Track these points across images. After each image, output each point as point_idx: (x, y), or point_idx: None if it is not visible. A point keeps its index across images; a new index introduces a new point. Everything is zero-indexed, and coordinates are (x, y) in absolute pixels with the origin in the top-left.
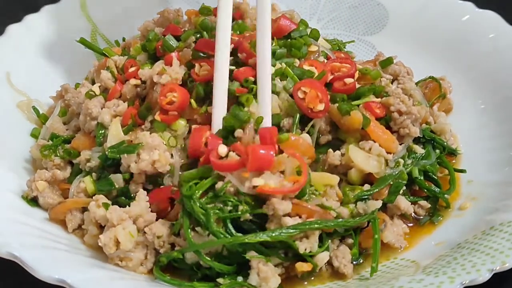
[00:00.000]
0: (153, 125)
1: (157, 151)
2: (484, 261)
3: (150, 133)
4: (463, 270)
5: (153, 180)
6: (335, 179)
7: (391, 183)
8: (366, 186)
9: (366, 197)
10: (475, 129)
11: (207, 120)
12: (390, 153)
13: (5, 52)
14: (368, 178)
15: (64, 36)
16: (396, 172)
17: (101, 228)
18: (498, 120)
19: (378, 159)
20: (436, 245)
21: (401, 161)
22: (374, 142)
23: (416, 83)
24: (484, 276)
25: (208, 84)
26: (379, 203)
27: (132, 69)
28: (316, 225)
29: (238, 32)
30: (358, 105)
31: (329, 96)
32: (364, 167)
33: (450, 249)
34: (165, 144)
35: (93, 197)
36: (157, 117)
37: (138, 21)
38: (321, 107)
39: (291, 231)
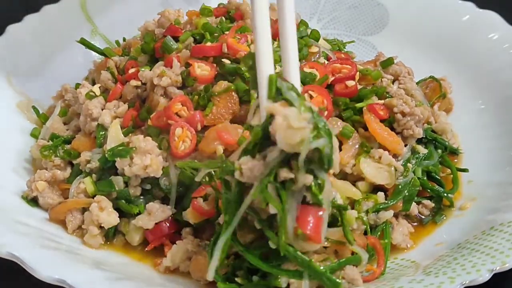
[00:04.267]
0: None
1: (149, 156)
2: (484, 261)
3: (145, 137)
4: (463, 270)
5: (150, 181)
6: (358, 194)
7: (406, 193)
8: (380, 196)
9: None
10: (475, 129)
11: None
12: (396, 155)
13: (5, 52)
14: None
15: (64, 36)
16: (409, 180)
17: (101, 228)
18: (498, 120)
19: (389, 169)
20: (436, 245)
21: (410, 165)
22: (381, 145)
23: (417, 83)
24: (484, 276)
25: (207, 86)
26: (390, 213)
27: (132, 70)
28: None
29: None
30: (361, 108)
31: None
32: (376, 180)
33: (450, 249)
34: (158, 147)
35: (95, 198)
36: (150, 121)
37: (138, 21)
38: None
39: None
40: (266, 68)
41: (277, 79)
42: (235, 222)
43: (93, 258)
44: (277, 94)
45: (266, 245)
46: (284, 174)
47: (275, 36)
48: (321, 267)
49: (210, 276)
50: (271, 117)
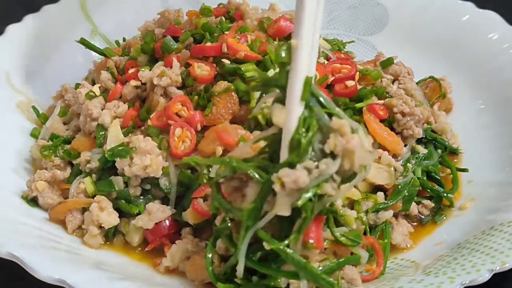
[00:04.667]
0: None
1: (149, 156)
2: (484, 261)
3: (144, 137)
4: (463, 270)
5: (150, 181)
6: (358, 194)
7: (406, 193)
8: (380, 196)
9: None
10: (475, 129)
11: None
12: (396, 155)
13: (5, 52)
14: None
15: (64, 36)
16: (408, 180)
17: (101, 228)
18: (498, 120)
19: (388, 169)
20: (436, 245)
21: (410, 165)
22: (381, 145)
23: (417, 83)
24: (484, 276)
25: (207, 86)
26: (389, 213)
27: (132, 70)
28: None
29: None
30: (361, 108)
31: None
32: (375, 180)
33: (450, 249)
34: (158, 147)
35: (95, 198)
36: (150, 121)
37: (138, 21)
38: None
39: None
40: (303, 66)
41: (311, 83)
42: (260, 226)
43: (93, 258)
44: (310, 99)
45: (264, 247)
46: (329, 189)
47: (275, 36)
48: (320, 268)
49: (240, 274)
50: (328, 130)
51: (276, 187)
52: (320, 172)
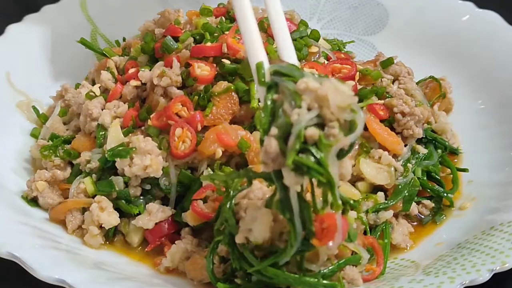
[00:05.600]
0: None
1: (149, 156)
2: (484, 261)
3: (145, 137)
4: (463, 270)
5: (150, 182)
6: (358, 194)
7: (406, 193)
8: (380, 196)
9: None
10: (475, 129)
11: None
12: (396, 155)
13: (5, 52)
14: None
15: (64, 36)
16: (408, 181)
17: (101, 228)
18: (498, 120)
19: (389, 169)
20: (436, 245)
21: (410, 165)
22: (381, 145)
23: (417, 83)
24: (484, 276)
25: (207, 86)
26: (390, 213)
27: (132, 70)
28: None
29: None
30: (361, 108)
31: None
32: (375, 181)
33: (450, 249)
34: (158, 147)
35: (95, 198)
36: (150, 121)
37: (138, 21)
38: None
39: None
40: (252, 58)
41: (262, 67)
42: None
43: (93, 258)
44: (276, 80)
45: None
46: (312, 132)
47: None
48: (321, 270)
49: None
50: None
51: (263, 167)
52: (295, 123)
